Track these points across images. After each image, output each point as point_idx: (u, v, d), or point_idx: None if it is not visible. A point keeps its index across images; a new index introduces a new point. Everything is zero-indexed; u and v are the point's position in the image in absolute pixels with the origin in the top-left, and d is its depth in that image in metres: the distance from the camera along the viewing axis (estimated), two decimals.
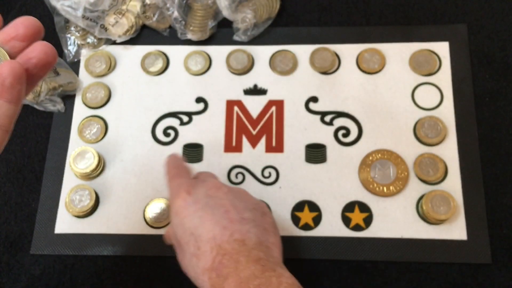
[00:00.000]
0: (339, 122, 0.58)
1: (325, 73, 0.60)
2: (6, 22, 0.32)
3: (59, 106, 0.60)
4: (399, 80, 0.59)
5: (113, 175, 0.57)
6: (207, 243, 0.39)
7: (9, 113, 0.31)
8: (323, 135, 0.57)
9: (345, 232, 0.53)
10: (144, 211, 0.55)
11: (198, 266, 0.39)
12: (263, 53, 0.61)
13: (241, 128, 0.58)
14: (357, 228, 0.53)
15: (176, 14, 0.60)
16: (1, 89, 0.31)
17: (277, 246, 0.41)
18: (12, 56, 0.32)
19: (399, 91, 0.58)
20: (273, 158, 0.57)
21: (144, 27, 0.64)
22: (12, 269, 0.55)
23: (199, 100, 0.60)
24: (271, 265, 0.38)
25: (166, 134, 0.59)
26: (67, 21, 0.62)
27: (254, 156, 0.57)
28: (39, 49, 0.32)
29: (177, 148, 0.58)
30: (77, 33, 0.62)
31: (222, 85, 0.60)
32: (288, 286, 0.36)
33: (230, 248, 0.38)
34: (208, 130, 0.59)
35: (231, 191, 0.43)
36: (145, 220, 0.55)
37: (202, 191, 0.42)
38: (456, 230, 0.53)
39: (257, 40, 0.62)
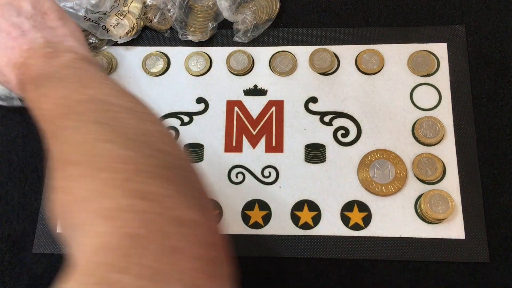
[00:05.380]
0: (338, 122, 0.58)
1: (324, 73, 0.60)
2: None
3: None
4: (398, 81, 0.59)
5: None
6: (6, 68, 0.45)
7: None
8: (323, 135, 0.58)
9: (344, 231, 0.54)
10: None
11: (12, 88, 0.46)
12: (263, 54, 0.62)
13: (241, 128, 0.59)
14: (356, 227, 0.54)
15: (177, 15, 0.61)
16: None
17: (69, 34, 0.47)
18: None
19: (398, 91, 0.59)
20: (273, 158, 0.57)
21: (145, 28, 0.64)
22: (15, 267, 0.55)
23: (200, 100, 0.61)
24: (60, 52, 0.44)
25: None
26: None
27: (254, 156, 0.58)
28: None
29: None
30: None
31: (223, 86, 0.61)
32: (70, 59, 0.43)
33: (23, 59, 0.44)
34: (208, 130, 0.59)
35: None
36: None
37: None
38: (454, 229, 0.53)
39: (257, 41, 0.62)
